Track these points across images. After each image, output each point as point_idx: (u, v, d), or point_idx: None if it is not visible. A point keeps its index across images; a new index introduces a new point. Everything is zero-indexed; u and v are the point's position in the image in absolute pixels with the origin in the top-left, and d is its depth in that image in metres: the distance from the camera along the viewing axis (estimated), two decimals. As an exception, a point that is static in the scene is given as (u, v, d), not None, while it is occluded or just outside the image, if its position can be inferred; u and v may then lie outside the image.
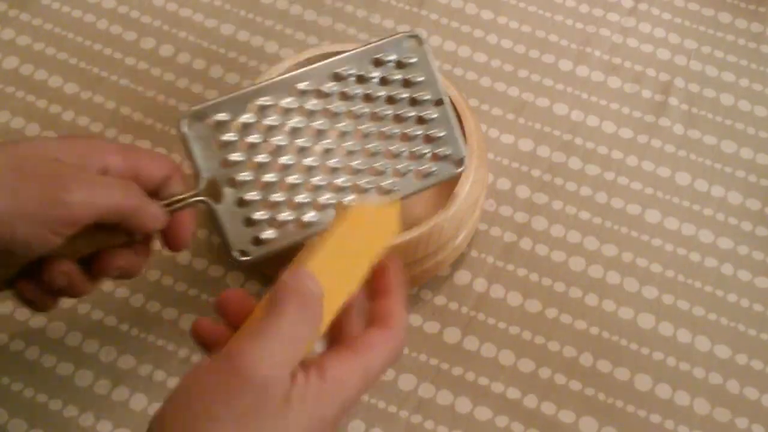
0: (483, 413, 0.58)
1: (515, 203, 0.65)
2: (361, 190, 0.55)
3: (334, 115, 0.54)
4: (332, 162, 0.54)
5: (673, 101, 0.70)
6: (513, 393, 0.58)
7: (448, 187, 0.58)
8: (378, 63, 0.55)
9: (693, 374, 0.59)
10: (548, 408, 0.58)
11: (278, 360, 0.40)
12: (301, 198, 0.53)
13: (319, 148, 0.54)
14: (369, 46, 0.55)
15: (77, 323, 0.60)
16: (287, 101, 0.53)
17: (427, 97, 0.56)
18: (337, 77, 0.54)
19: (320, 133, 0.54)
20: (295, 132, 0.53)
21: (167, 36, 0.72)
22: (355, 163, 0.54)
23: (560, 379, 0.59)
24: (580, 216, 0.65)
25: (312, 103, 0.53)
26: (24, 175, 0.45)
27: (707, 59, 0.72)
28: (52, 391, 0.58)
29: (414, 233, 0.56)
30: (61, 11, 0.73)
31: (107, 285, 0.61)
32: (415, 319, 0.61)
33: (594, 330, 0.60)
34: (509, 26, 0.74)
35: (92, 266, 0.50)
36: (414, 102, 0.56)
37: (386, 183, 0.55)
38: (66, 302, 0.60)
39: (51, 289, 0.49)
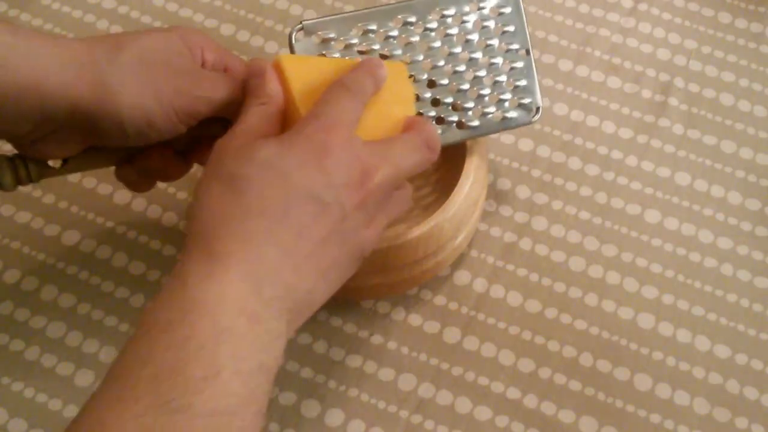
0: (483, 413, 0.58)
1: (515, 203, 0.65)
2: (445, 123, 0.58)
3: (429, 49, 0.57)
4: (421, 93, 0.57)
5: (673, 101, 0.70)
6: (513, 393, 0.58)
7: (448, 187, 0.59)
8: (475, 7, 0.59)
9: (693, 374, 0.59)
10: (548, 408, 0.58)
11: (234, 133, 0.48)
12: None
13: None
14: None
15: (77, 323, 0.60)
16: (390, 30, 0.56)
17: (516, 46, 0.60)
18: (438, 14, 0.58)
19: (413, 65, 0.57)
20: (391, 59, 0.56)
21: (167, 36, 0.72)
22: (441, 96, 0.58)
23: (560, 379, 0.59)
24: (580, 216, 0.65)
25: (411, 35, 0.57)
26: (157, 66, 0.50)
27: (707, 59, 0.72)
28: (52, 391, 0.58)
29: (414, 233, 0.56)
30: (61, 11, 0.73)
31: (107, 285, 0.61)
32: (415, 319, 0.61)
33: (594, 330, 0.61)
34: (509, 26, 0.74)
35: (187, 154, 0.55)
36: (503, 50, 0.59)
37: (468, 119, 0.58)
38: (65, 302, 0.60)
39: (149, 172, 0.54)
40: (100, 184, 0.65)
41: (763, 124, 0.69)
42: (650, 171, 0.67)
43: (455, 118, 0.58)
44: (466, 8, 0.58)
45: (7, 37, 0.48)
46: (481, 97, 0.59)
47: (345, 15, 0.55)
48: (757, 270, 0.63)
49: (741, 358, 0.60)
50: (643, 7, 0.75)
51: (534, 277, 0.62)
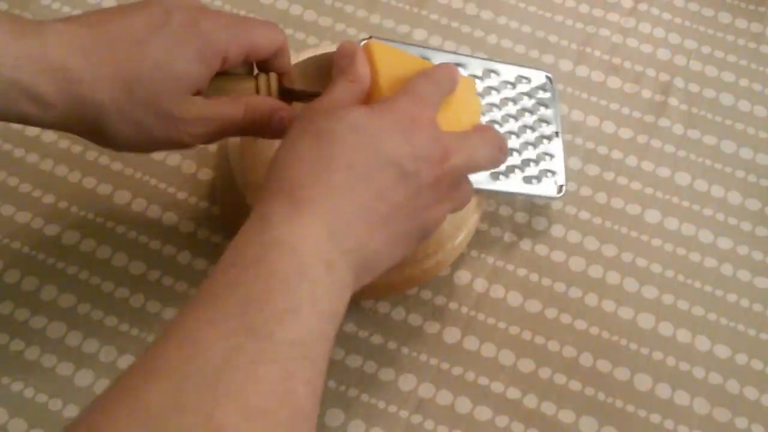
0: (483, 413, 0.58)
1: (515, 203, 0.65)
2: None
3: None
4: None
5: (673, 101, 0.70)
6: (513, 393, 0.58)
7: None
8: (519, 80, 0.62)
9: (693, 374, 0.59)
10: (548, 408, 0.58)
11: (322, 101, 0.50)
12: None
13: None
14: (520, 67, 0.63)
15: (77, 323, 0.60)
16: None
17: (548, 130, 0.62)
18: (486, 76, 0.61)
19: None
20: None
21: (167, 36, 0.72)
22: None
23: (560, 379, 0.59)
24: (580, 216, 0.65)
25: None
26: (156, 108, 0.50)
27: (707, 59, 0.72)
28: (52, 391, 0.58)
29: (414, 233, 0.56)
30: (61, 11, 0.73)
31: (107, 285, 0.61)
32: (415, 319, 0.61)
33: (594, 330, 0.60)
34: (509, 26, 0.74)
35: None
36: (536, 126, 0.62)
37: (493, 174, 0.59)
38: (65, 302, 0.60)
39: None
40: (100, 184, 0.65)
41: (763, 124, 0.69)
42: (650, 171, 0.67)
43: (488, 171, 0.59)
44: (511, 78, 0.62)
45: (10, 72, 0.48)
46: (511, 161, 0.60)
47: (405, 45, 0.57)
48: (757, 270, 0.63)
49: (741, 358, 0.60)
50: (643, 7, 0.75)
51: (534, 277, 0.62)
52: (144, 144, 0.52)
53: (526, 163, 0.61)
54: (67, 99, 0.49)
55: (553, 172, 0.62)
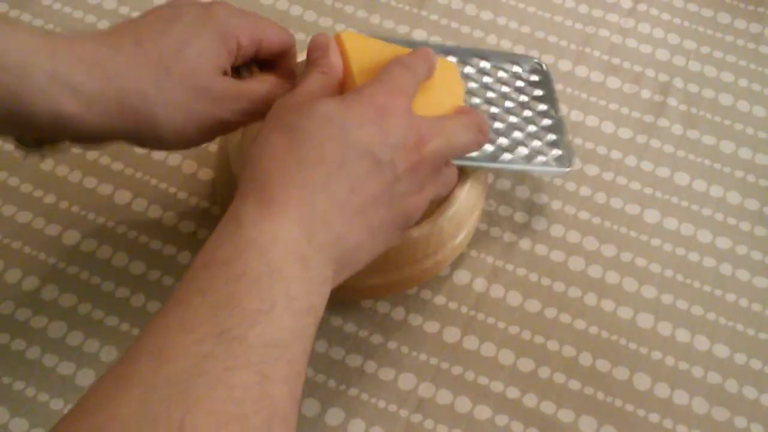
0: (482, 412, 0.58)
1: (515, 203, 0.65)
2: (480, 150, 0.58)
3: (467, 92, 0.59)
4: None
5: (672, 101, 0.70)
6: (512, 392, 0.58)
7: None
8: (509, 69, 0.62)
9: (692, 373, 0.59)
10: (548, 407, 0.58)
11: (295, 93, 0.50)
12: None
13: None
14: (510, 54, 0.64)
15: (78, 323, 0.60)
16: None
17: (544, 107, 0.62)
18: (476, 63, 0.61)
19: None
20: None
21: (168, 36, 0.72)
22: None
23: (559, 378, 0.59)
24: (579, 216, 0.65)
25: None
26: (200, 93, 0.51)
27: (706, 60, 0.72)
28: (54, 391, 0.58)
29: (414, 233, 0.56)
30: (62, 12, 0.73)
31: (108, 285, 0.61)
32: (415, 319, 0.61)
33: (593, 329, 0.61)
34: (509, 27, 0.74)
35: None
36: (534, 107, 0.62)
37: (497, 151, 0.59)
38: (66, 301, 0.61)
39: None
40: (100, 184, 0.65)
41: (762, 124, 0.70)
42: (649, 171, 0.67)
43: (491, 148, 0.59)
44: (503, 66, 0.62)
45: (47, 63, 0.47)
46: (513, 137, 0.60)
47: (396, 40, 0.56)
48: (756, 270, 0.63)
49: (740, 358, 0.60)
50: (642, 7, 0.75)
51: (533, 276, 0.63)
52: (191, 131, 0.51)
53: (531, 137, 0.60)
54: (108, 92, 0.49)
55: (559, 146, 0.61)
